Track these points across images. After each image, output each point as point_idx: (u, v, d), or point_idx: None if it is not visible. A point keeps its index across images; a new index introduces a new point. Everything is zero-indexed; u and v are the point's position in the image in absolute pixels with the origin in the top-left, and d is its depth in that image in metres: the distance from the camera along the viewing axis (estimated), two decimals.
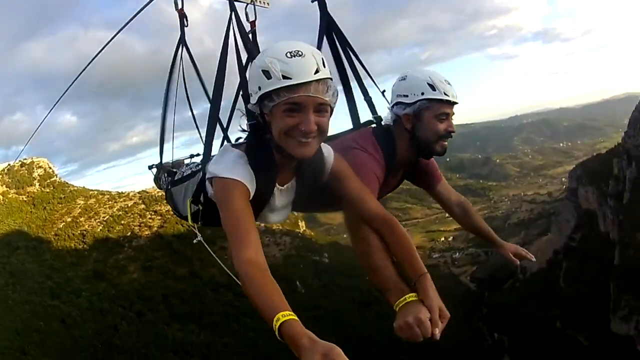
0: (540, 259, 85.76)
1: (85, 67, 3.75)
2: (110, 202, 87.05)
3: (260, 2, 3.22)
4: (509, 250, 3.14)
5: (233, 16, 2.67)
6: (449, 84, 2.69)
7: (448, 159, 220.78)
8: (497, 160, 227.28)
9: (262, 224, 2.48)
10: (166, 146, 3.62)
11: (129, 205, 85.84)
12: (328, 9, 2.99)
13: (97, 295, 62.57)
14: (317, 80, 1.88)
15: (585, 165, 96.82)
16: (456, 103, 2.73)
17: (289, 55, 1.87)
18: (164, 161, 3.58)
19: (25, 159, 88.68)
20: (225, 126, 2.76)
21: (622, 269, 61.00)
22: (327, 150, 2.31)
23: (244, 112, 2.18)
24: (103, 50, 3.34)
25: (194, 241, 2.47)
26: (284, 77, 1.85)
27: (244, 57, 2.62)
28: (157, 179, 3.52)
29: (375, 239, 2.25)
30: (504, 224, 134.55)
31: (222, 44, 2.65)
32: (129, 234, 79.35)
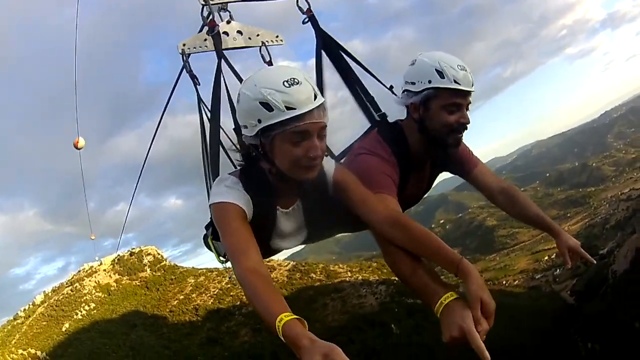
0: (624, 261, 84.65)
1: (148, 152, 4.04)
2: (219, 278, 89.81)
3: (272, 41, 3.25)
4: (565, 244, 2.66)
5: (222, 63, 2.76)
6: (463, 69, 2.41)
7: (548, 174, 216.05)
8: (593, 164, 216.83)
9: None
10: None
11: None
12: (320, 25, 3.09)
13: (212, 359, 69.14)
14: (318, 106, 1.89)
15: None
16: (470, 92, 2.45)
17: (286, 84, 1.85)
18: None
19: (134, 248, 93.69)
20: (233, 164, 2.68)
21: None
22: (327, 163, 2.25)
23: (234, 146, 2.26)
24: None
25: (229, 277, 5.93)
26: (288, 108, 1.84)
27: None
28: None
29: (394, 246, 2.08)
30: (603, 229, 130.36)
31: (212, 95, 2.72)
32: (238, 303, 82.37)
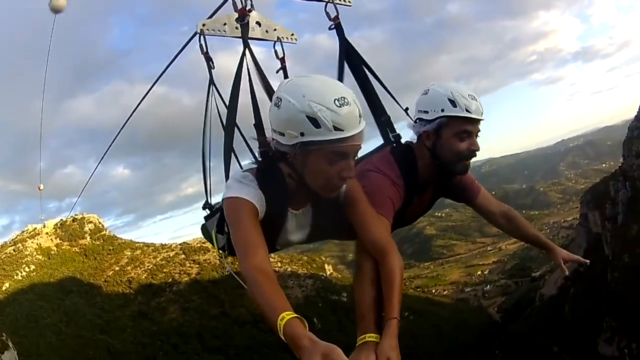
0: (553, 286, 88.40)
1: (129, 117, 3.99)
2: (154, 253, 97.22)
3: (287, 38, 3.25)
4: (560, 256, 2.93)
5: (247, 53, 2.70)
6: (474, 99, 2.54)
7: (494, 192, 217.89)
8: (541, 189, 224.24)
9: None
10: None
11: (171, 255, 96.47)
12: (345, 35, 3.06)
13: (141, 332, 73.05)
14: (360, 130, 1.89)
15: (594, 189, 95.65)
16: (480, 120, 2.57)
17: (337, 103, 1.85)
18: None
19: (77, 214, 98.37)
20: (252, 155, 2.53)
21: (607, 292, 62.70)
22: None
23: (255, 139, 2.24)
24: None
25: (225, 272, 6.48)
26: (336, 129, 1.85)
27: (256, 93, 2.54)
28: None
29: (369, 269, 2.20)
30: (540, 252, 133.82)
31: (232, 81, 2.64)
32: (170, 280, 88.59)
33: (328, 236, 2.85)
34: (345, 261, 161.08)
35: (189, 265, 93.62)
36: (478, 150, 2.63)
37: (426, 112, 2.60)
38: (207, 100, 3.26)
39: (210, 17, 3.14)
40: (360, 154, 2.41)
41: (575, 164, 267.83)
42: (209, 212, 3.18)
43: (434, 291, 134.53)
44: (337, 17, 3.12)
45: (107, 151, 4.77)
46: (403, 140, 2.87)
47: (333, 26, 3.13)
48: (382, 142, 2.97)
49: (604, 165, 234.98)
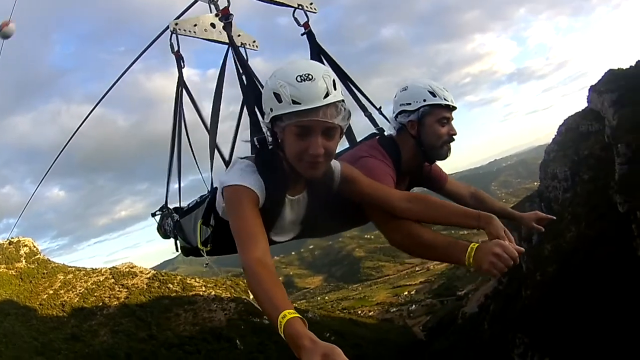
0: (475, 304, 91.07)
1: (72, 136, 3.99)
2: (85, 277, 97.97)
3: (250, 45, 3.44)
4: (529, 220, 3.09)
5: (230, 51, 2.76)
6: (447, 90, 2.84)
7: None
8: None
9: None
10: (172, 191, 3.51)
11: (101, 279, 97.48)
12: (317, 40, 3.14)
13: (74, 354, 74.53)
14: (327, 105, 1.91)
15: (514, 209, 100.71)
16: (455, 107, 2.86)
17: (299, 79, 1.90)
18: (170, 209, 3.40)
19: (13, 238, 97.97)
20: (230, 151, 2.84)
21: (520, 308, 65.26)
22: (334, 162, 2.31)
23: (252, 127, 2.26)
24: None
25: (204, 265, 2.60)
26: (294, 102, 1.89)
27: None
28: (160, 227, 3.37)
29: (413, 223, 2.34)
30: (467, 271, 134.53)
31: (217, 76, 2.78)
32: (100, 304, 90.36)
33: (317, 231, 2.84)
34: None
35: (118, 289, 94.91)
36: (456, 134, 2.87)
37: (409, 104, 2.85)
38: (177, 101, 3.33)
39: (178, 17, 3.21)
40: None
41: (508, 182, 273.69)
42: (159, 218, 3.40)
43: (359, 312, 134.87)
44: (307, 23, 3.21)
45: (47, 173, 4.72)
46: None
47: (304, 33, 3.21)
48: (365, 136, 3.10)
49: (535, 183, 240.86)
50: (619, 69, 71.52)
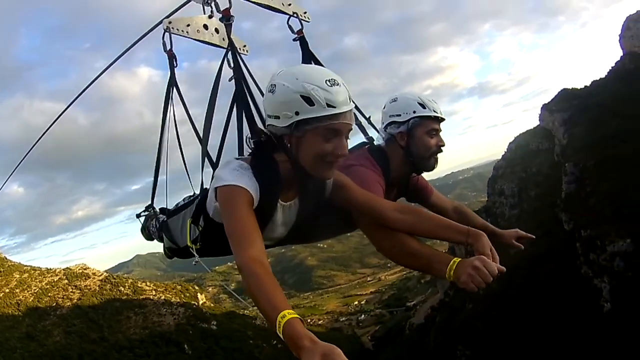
0: (422, 315, 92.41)
1: (42, 135, 3.99)
2: (40, 277, 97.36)
3: (241, 50, 3.36)
4: (509, 237, 2.98)
5: (229, 55, 2.75)
6: (435, 102, 2.91)
7: None
8: None
9: None
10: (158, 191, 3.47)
11: (55, 280, 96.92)
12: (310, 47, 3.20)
13: (29, 353, 75.25)
14: (350, 109, 2.04)
15: None
16: (444, 119, 2.92)
17: (328, 83, 1.98)
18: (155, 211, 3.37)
19: None
20: (218, 155, 2.72)
21: (461, 321, 65.84)
22: None
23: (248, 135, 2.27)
24: (47, 121, 3.16)
25: (194, 263, 2.50)
26: (329, 106, 1.96)
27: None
28: (144, 228, 3.34)
29: (401, 233, 2.38)
30: (418, 282, 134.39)
31: (213, 84, 2.75)
32: (54, 304, 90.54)
33: (302, 237, 2.86)
34: (227, 290, 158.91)
35: (71, 290, 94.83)
36: (444, 145, 2.96)
37: (399, 115, 2.92)
38: (167, 100, 3.31)
39: (169, 15, 3.19)
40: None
41: (463, 195, 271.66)
42: (144, 220, 3.38)
43: (309, 321, 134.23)
44: (300, 30, 3.27)
45: (13, 171, 4.69)
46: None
47: (297, 38, 3.27)
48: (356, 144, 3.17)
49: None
50: (572, 88, 71.99)
